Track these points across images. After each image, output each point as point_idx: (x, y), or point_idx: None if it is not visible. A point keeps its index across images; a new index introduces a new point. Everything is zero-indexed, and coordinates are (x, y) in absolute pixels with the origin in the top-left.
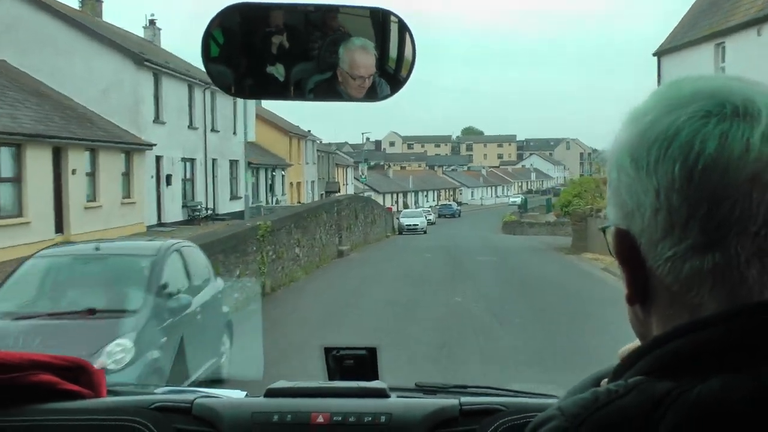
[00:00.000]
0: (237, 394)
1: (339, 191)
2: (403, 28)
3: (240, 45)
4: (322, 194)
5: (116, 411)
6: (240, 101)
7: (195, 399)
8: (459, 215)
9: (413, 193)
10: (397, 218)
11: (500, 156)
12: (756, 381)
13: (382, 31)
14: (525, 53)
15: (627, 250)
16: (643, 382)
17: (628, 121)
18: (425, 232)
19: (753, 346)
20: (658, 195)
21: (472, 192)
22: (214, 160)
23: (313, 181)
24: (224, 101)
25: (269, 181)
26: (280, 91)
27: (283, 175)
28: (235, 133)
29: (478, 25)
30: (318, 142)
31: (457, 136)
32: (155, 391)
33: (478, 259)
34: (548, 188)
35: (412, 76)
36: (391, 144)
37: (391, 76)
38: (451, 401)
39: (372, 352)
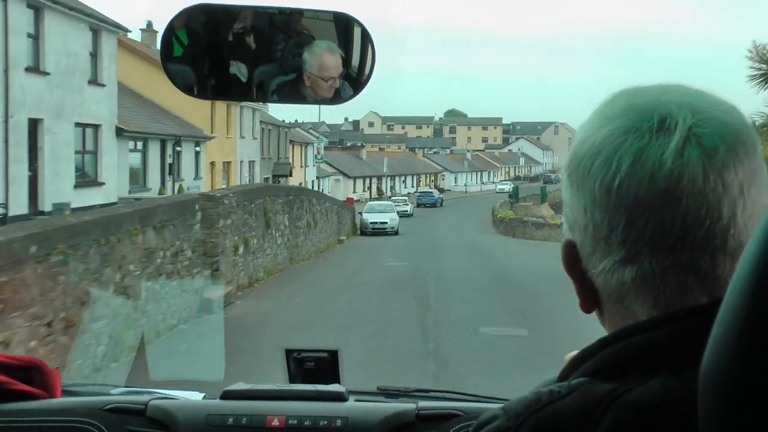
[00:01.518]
0: (194, 396)
1: (291, 175)
2: (365, 35)
3: (204, 45)
4: (267, 178)
5: (67, 412)
6: (107, 33)
7: (150, 400)
8: (441, 204)
9: (389, 178)
10: (360, 213)
11: (485, 139)
12: (694, 383)
13: (345, 36)
14: (510, 36)
15: (570, 261)
16: (585, 383)
17: (576, 135)
18: (397, 232)
19: (693, 350)
20: (585, 211)
21: (456, 177)
22: (35, 121)
23: (252, 162)
24: (71, 26)
25: (170, 159)
26: (243, 92)
27: (197, 152)
28: (96, 81)
29: (461, 8)
30: (263, 111)
31: (440, 118)
32: (111, 392)
33: (484, 333)
34: (538, 174)
35: (373, 75)
36: (370, 125)
37: (353, 78)
38: (408, 405)
39: (333, 354)
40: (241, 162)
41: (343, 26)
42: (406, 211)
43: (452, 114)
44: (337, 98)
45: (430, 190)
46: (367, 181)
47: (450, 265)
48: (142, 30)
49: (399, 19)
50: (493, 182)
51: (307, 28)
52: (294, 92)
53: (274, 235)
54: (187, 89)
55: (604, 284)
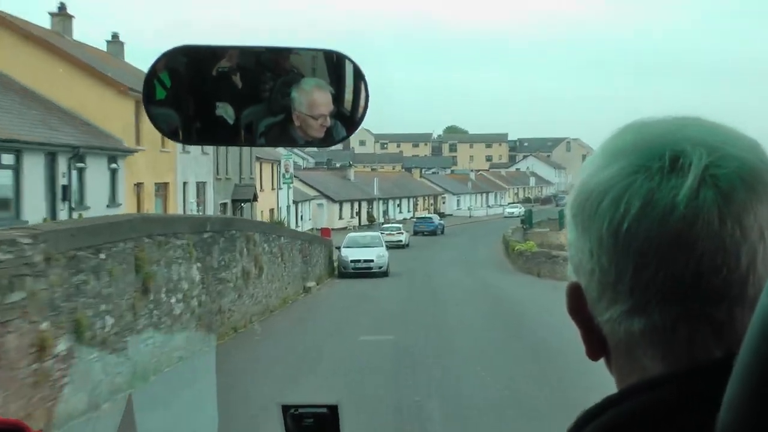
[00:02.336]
0: None
1: (255, 199)
2: (357, 73)
3: (187, 87)
4: (224, 204)
5: None
6: None
7: None
8: (442, 231)
9: (381, 202)
10: (338, 248)
11: (489, 158)
12: None
13: (337, 74)
14: (514, 46)
15: (576, 306)
16: None
17: (579, 171)
18: (386, 273)
19: (706, 410)
20: (591, 254)
21: (458, 200)
22: None
23: (202, 183)
24: None
25: (63, 180)
26: (230, 136)
27: (113, 169)
28: None
29: (459, 16)
30: None
31: (439, 135)
32: None
33: None
34: (550, 196)
35: (366, 114)
36: (362, 143)
37: (346, 117)
38: None
39: (333, 410)
40: (185, 184)
41: (334, 63)
42: (401, 241)
43: (452, 131)
44: (329, 139)
45: (429, 216)
46: (356, 205)
47: (460, 334)
48: (53, 14)
49: (392, 29)
50: (500, 205)
51: (295, 66)
52: (283, 134)
53: (165, 301)
54: (172, 134)
55: (612, 334)
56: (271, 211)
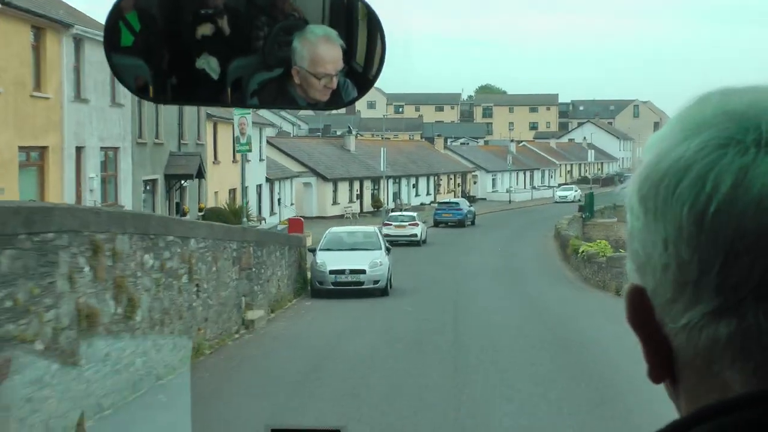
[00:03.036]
0: None
1: (203, 175)
2: (373, 19)
3: (162, 32)
4: (151, 181)
5: None
6: None
7: None
8: (472, 222)
9: (390, 181)
10: (313, 251)
11: (534, 126)
12: None
13: (348, 21)
14: None
15: (639, 313)
16: None
17: (646, 148)
18: (384, 290)
19: None
20: (666, 246)
21: (494, 179)
22: None
23: (113, 149)
24: None
25: None
26: (214, 94)
27: None
28: None
29: None
30: None
31: (469, 96)
32: None
33: None
34: (614, 174)
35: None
36: (370, 105)
37: (358, 75)
38: None
39: None
40: (80, 149)
41: (345, 8)
42: (415, 236)
43: (486, 91)
44: (336, 101)
45: (455, 201)
46: (357, 185)
47: None
48: None
49: None
50: (549, 186)
51: (297, 9)
52: (281, 94)
53: None
54: (141, 90)
55: (687, 343)
56: (233, 192)
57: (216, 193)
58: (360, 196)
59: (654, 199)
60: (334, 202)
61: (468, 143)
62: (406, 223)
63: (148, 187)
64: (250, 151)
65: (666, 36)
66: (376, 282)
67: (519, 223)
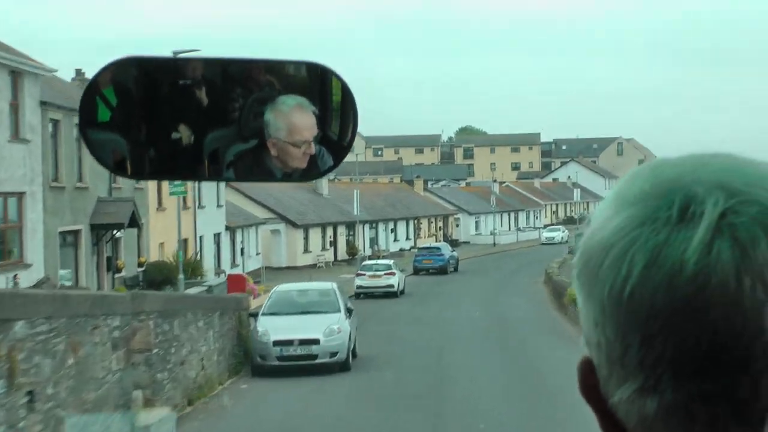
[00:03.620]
0: None
1: (137, 224)
2: (345, 90)
3: (138, 105)
4: (72, 233)
5: None
6: None
7: None
8: (455, 268)
9: (366, 226)
10: (253, 316)
11: (516, 166)
12: None
13: (321, 91)
14: (540, 30)
15: (587, 385)
16: None
17: (588, 221)
18: (346, 365)
19: None
20: (596, 324)
21: (477, 221)
22: None
23: (19, 195)
24: None
25: None
26: (191, 168)
27: None
28: None
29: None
30: (49, 75)
31: (450, 138)
32: None
33: None
34: None
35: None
36: None
37: (333, 143)
38: None
39: None
40: None
41: (318, 79)
42: (392, 286)
43: (467, 132)
44: (314, 170)
45: (436, 245)
46: (330, 231)
47: None
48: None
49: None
50: (535, 227)
51: (271, 80)
52: (257, 165)
53: None
54: (118, 166)
55: (626, 417)
56: (185, 242)
57: (161, 244)
58: (334, 243)
59: (585, 277)
60: (306, 250)
61: (449, 185)
62: (382, 273)
63: (67, 240)
64: (185, 193)
65: (643, 73)
66: (333, 354)
67: (506, 269)
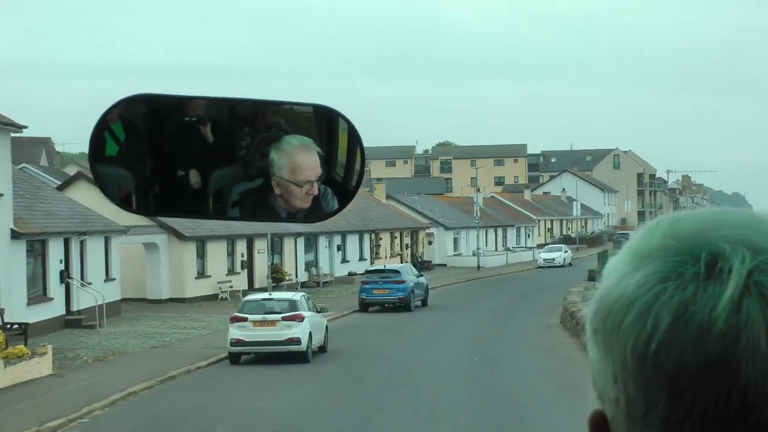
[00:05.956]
0: None
1: None
2: (352, 132)
3: (145, 141)
4: None
5: None
6: None
7: None
8: (424, 300)
9: (301, 241)
10: None
11: (500, 180)
12: None
13: (328, 133)
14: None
15: None
16: None
17: (602, 276)
18: None
19: None
20: (616, 380)
21: (457, 239)
22: None
23: None
24: None
25: None
26: (195, 206)
27: None
28: None
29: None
30: None
31: (425, 151)
32: None
33: None
34: (601, 232)
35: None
36: None
37: (338, 185)
38: None
39: None
40: None
41: (325, 122)
42: (295, 342)
43: (446, 147)
44: (318, 211)
45: (394, 267)
46: (242, 246)
47: None
48: None
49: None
50: (528, 247)
51: (278, 121)
52: (262, 204)
53: None
54: (123, 201)
55: None
56: None
57: None
58: (248, 265)
59: (603, 333)
60: (201, 275)
61: (419, 195)
62: (278, 316)
63: None
64: None
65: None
66: None
67: (498, 301)
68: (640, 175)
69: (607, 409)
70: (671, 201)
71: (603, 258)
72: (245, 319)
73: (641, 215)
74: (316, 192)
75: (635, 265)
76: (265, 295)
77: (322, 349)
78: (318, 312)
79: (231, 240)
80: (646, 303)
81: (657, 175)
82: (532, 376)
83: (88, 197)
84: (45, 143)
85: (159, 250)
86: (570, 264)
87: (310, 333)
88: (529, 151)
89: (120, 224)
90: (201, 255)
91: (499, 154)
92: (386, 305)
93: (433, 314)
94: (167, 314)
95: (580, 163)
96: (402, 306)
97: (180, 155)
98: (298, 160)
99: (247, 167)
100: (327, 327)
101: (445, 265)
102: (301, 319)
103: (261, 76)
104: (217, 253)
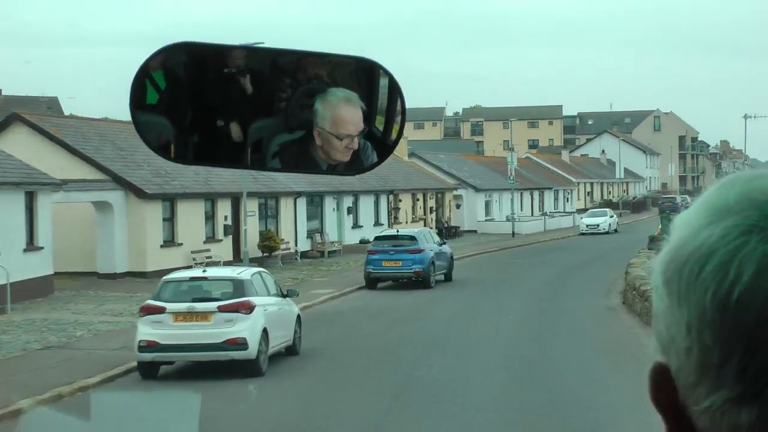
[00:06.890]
0: None
1: None
2: (394, 88)
3: (186, 90)
4: None
5: None
6: None
7: None
8: (446, 276)
9: (304, 201)
10: None
11: (534, 143)
12: None
13: (369, 86)
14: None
15: (662, 392)
16: None
17: (673, 229)
18: None
19: None
20: (689, 329)
21: (489, 202)
22: None
23: None
24: None
25: None
26: (234, 155)
27: None
28: None
29: None
30: None
31: (456, 113)
32: None
33: None
34: (644, 196)
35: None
36: None
37: (378, 140)
38: None
39: None
40: None
41: (367, 75)
42: (240, 346)
43: (477, 109)
44: (357, 164)
45: (408, 233)
46: (226, 207)
47: None
48: None
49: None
50: (567, 212)
51: (320, 73)
52: (302, 156)
53: None
54: (162, 148)
55: (710, 426)
56: None
57: None
58: (232, 230)
59: (677, 282)
60: (169, 242)
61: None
62: (213, 305)
63: None
64: None
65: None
66: None
67: (537, 277)
68: (681, 138)
69: (672, 360)
70: (714, 165)
71: (666, 220)
72: (162, 310)
73: (682, 180)
74: (356, 146)
75: (711, 219)
76: (197, 272)
77: (290, 350)
78: (284, 297)
79: (211, 199)
80: (728, 253)
81: (699, 138)
82: (619, 411)
83: (30, 148)
84: (51, 103)
85: (113, 211)
86: (616, 231)
87: (265, 330)
88: (565, 113)
89: (56, 177)
90: (170, 218)
91: (533, 115)
92: (399, 280)
93: (459, 293)
94: (116, 293)
95: (619, 124)
96: (419, 281)
97: (220, 105)
98: (342, 113)
99: (288, 119)
100: (300, 318)
101: (475, 231)
102: (249, 308)
103: (301, 31)
104: (191, 215)
